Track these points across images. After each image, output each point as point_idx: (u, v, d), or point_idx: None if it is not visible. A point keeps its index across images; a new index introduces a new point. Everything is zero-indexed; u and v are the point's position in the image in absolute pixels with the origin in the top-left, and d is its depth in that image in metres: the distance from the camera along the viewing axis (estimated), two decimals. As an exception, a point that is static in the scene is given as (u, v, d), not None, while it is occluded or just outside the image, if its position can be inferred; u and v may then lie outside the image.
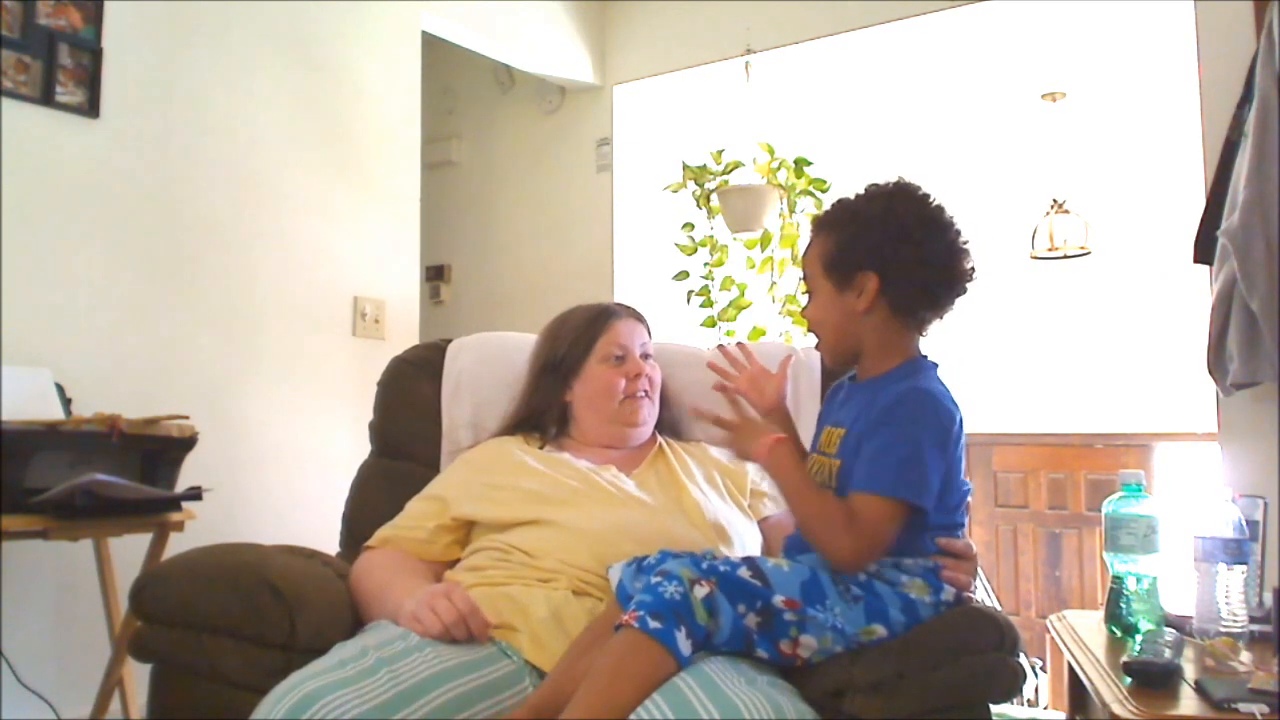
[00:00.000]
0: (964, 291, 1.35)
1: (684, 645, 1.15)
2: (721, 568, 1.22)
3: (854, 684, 1.22)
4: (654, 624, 1.15)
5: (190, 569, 1.42)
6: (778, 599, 1.21)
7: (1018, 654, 1.27)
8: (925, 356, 1.38)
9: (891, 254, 1.31)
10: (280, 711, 1.10)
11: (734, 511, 1.59)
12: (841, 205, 1.39)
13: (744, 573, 1.22)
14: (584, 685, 1.15)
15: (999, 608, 1.58)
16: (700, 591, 1.18)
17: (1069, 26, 3.81)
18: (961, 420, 1.30)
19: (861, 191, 1.38)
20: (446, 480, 1.65)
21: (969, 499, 1.35)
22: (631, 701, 1.11)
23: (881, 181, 1.37)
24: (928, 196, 1.36)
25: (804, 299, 1.52)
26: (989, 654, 1.24)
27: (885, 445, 1.26)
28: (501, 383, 1.84)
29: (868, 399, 1.32)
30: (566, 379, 1.70)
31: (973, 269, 1.34)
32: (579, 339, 1.71)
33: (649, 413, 1.69)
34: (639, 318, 1.77)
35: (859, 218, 1.35)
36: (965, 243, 1.34)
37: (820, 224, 1.40)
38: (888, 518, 1.23)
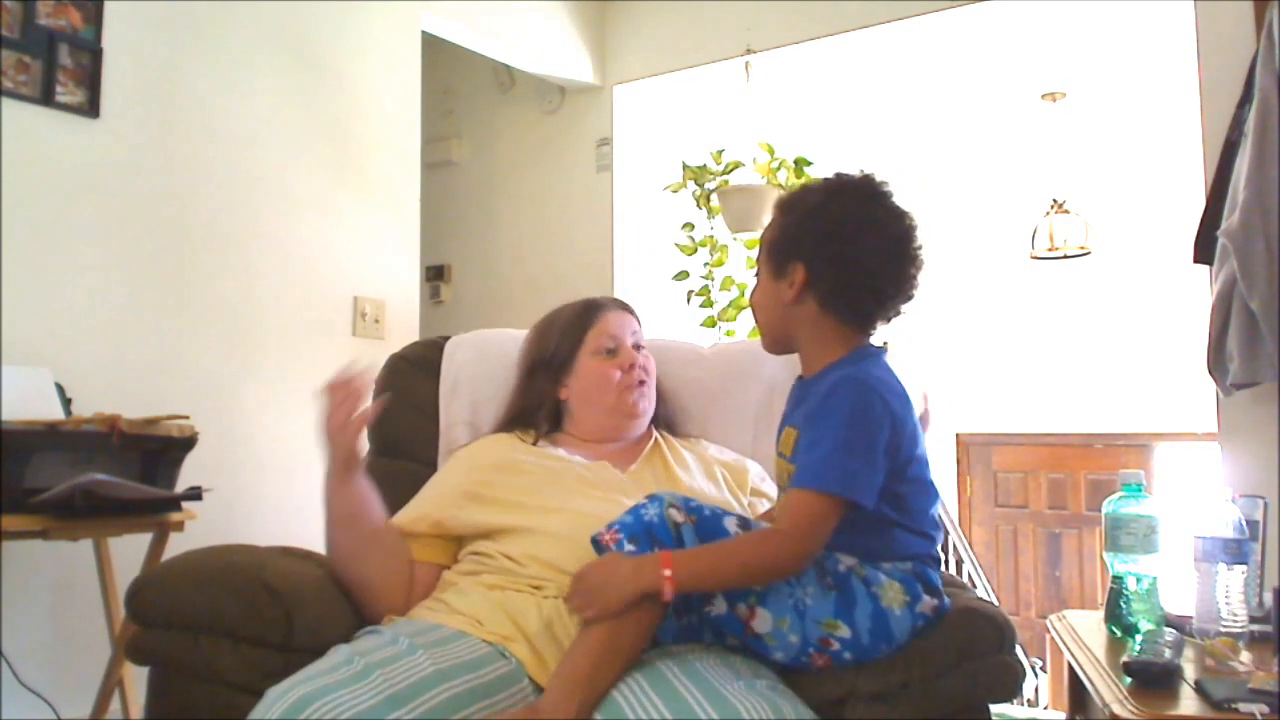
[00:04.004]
0: (906, 298, 1.29)
1: None
2: (707, 511, 1.20)
3: (856, 692, 1.21)
4: (630, 547, 1.16)
5: (185, 572, 1.41)
6: None
7: (1015, 651, 1.27)
8: (869, 344, 1.32)
9: (818, 248, 1.28)
10: (275, 713, 1.09)
11: (732, 505, 1.58)
12: (793, 192, 1.37)
13: (730, 523, 1.21)
14: (583, 632, 1.17)
15: (996, 603, 1.57)
16: (676, 516, 1.18)
17: (1069, 26, 3.81)
18: (904, 409, 1.24)
19: (820, 180, 1.34)
20: (440, 484, 1.62)
21: (939, 502, 1.30)
22: (634, 644, 1.14)
23: (843, 174, 1.33)
24: (877, 196, 1.30)
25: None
26: (990, 656, 1.24)
27: (815, 440, 1.22)
28: (500, 380, 1.83)
29: (810, 396, 1.28)
30: (559, 376, 1.68)
31: (915, 276, 1.29)
32: (568, 334, 1.69)
33: (648, 402, 1.68)
34: (628, 309, 1.74)
35: (798, 208, 1.32)
36: (915, 249, 1.29)
37: (774, 207, 1.37)
38: (819, 513, 1.18)
